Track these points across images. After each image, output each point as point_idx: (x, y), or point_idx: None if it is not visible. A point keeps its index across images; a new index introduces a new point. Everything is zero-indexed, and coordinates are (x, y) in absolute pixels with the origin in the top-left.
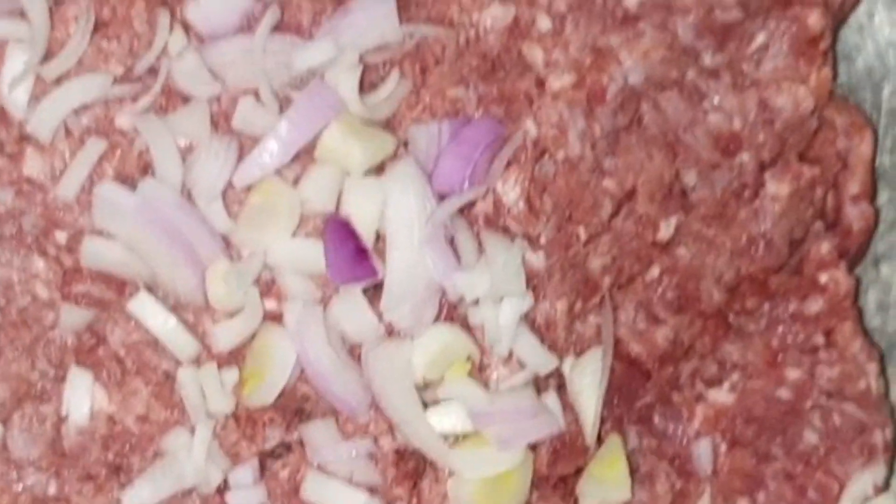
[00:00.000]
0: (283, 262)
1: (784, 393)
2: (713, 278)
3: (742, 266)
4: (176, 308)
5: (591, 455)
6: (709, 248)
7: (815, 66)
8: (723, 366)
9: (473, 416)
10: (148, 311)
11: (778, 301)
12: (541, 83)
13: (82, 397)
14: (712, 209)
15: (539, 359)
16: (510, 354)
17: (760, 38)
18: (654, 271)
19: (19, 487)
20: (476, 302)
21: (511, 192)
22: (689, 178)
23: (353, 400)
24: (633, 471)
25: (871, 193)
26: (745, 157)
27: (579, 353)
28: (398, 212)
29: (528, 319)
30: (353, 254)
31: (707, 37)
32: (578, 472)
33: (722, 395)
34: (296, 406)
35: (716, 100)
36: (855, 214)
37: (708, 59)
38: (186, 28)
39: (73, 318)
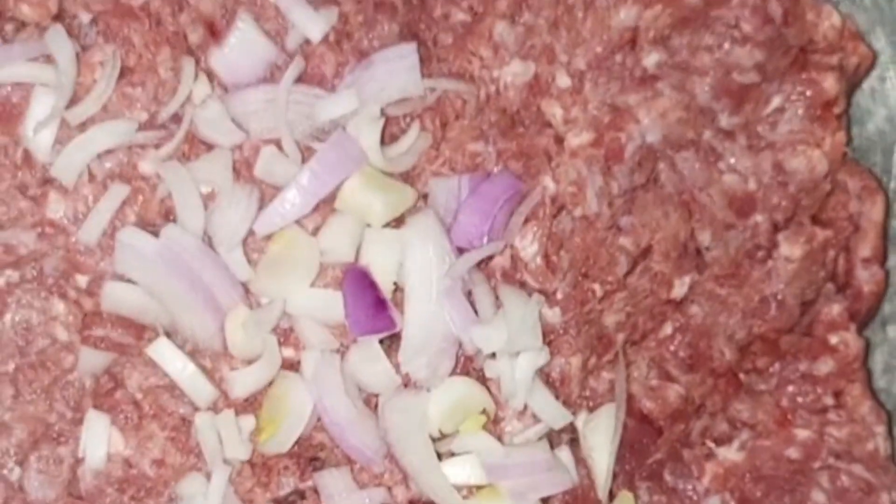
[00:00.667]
0: (301, 311)
1: (793, 452)
2: (725, 337)
3: (754, 326)
4: (194, 354)
5: None
6: (722, 307)
7: (830, 129)
8: (733, 424)
9: (488, 468)
10: (166, 357)
11: (788, 361)
12: (559, 140)
13: (99, 440)
14: (726, 269)
15: (553, 413)
16: (525, 408)
17: (776, 101)
18: (668, 329)
19: None
20: (492, 355)
21: (529, 247)
22: (704, 237)
23: (368, 450)
24: None
25: (882, 257)
26: (759, 218)
27: (592, 409)
28: (417, 264)
29: (543, 374)
30: (372, 305)
31: (724, 98)
32: None
33: (731, 454)
34: (311, 454)
35: (731, 161)
36: (865, 277)
37: (724, 121)
38: (210, 76)
39: (91, 361)
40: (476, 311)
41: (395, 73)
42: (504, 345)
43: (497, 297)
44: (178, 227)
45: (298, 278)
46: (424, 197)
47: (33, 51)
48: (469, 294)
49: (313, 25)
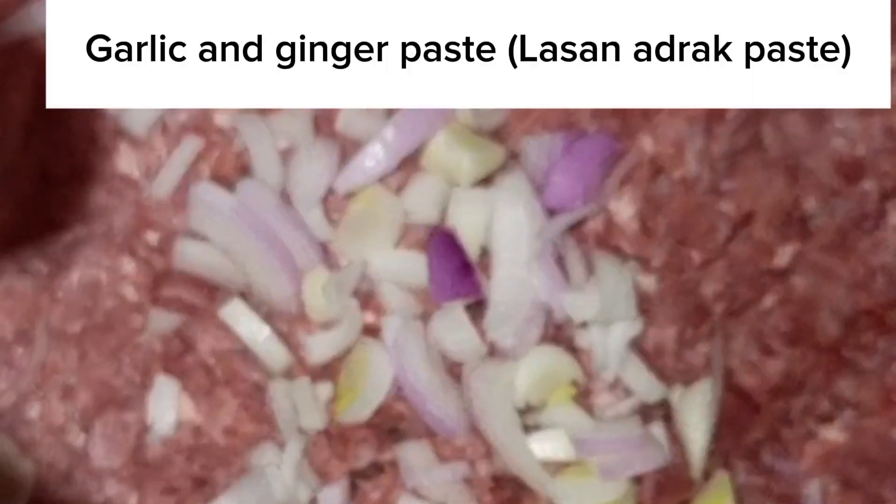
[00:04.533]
0: (383, 274)
1: None
2: (829, 310)
3: (860, 299)
4: (269, 317)
5: (696, 490)
6: (826, 278)
7: None
8: (836, 403)
9: (577, 443)
10: (240, 319)
11: (895, 337)
12: None
13: (168, 406)
14: (831, 238)
15: (647, 386)
16: (616, 381)
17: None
18: (769, 300)
19: (100, 498)
20: (584, 324)
21: (624, 211)
22: (809, 204)
23: (450, 421)
24: None
25: None
26: (867, 185)
27: (688, 383)
28: (506, 226)
29: (636, 345)
30: (458, 269)
31: None
32: None
33: (834, 434)
34: (390, 425)
35: (839, 123)
36: None
37: None
38: None
39: (161, 322)
40: (567, 277)
41: None
42: (596, 313)
43: (590, 263)
44: (256, 183)
45: (381, 239)
46: (515, 156)
47: None
48: (560, 259)
49: None
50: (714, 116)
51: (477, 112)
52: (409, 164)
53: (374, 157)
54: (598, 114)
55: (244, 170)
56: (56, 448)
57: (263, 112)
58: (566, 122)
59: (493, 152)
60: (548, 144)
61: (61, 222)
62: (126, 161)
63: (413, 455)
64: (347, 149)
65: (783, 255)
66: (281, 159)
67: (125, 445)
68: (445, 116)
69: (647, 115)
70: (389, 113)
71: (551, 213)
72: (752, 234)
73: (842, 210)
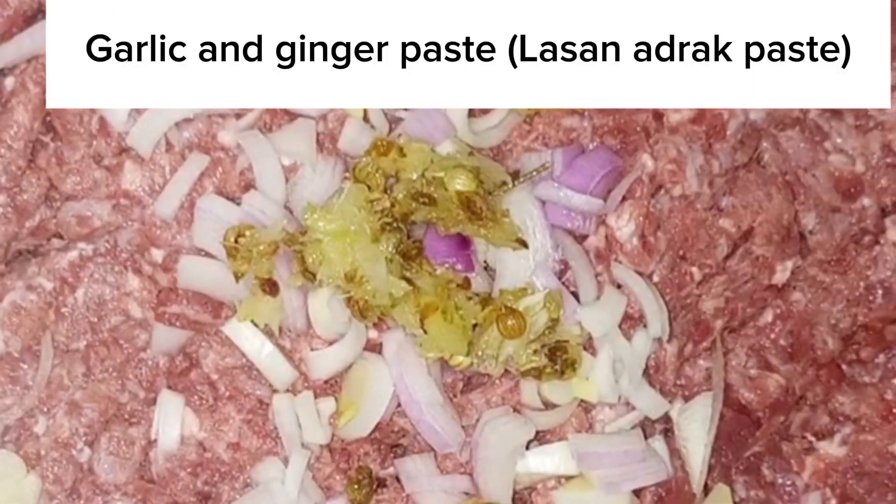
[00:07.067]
0: None
1: None
2: (828, 325)
3: (858, 314)
4: (273, 333)
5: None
6: (825, 293)
7: None
8: (835, 417)
9: (579, 457)
10: (244, 335)
11: (894, 352)
12: (659, 116)
13: (172, 422)
14: (830, 254)
15: (649, 402)
16: (618, 396)
17: None
18: (768, 316)
19: None
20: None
21: (625, 227)
22: (808, 220)
23: (446, 434)
24: None
25: None
26: (866, 201)
27: (688, 398)
28: None
29: None
30: (456, 242)
31: None
32: None
33: (833, 448)
34: (392, 441)
35: (838, 140)
36: None
37: None
38: None
39: (166, 339)
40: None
41: None
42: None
43: (592, 279)
44: (261, 195)
45: None
46: (515, 174)
47: None
48: (562, 274)
49: None
50: (713, 133)
51: (477, 129)
52: None
53: None
54: (598, 130)
55: (248, 187)
56: (61, 463)
57: (267, 129)
58: (567, 139)
59: (493, 170)
60: (548, 161)
61: (67, 239)
62: (131, 179)
63: (415, 468)
64: (350, 165)
65: (782, 271)
66: (285, 176)
67: (130, 461)
68: (446, 132)
69: (647, 131)
70: (390, 131)
71: (553, 228)
72: (751, 250)
73: (841, 226)
